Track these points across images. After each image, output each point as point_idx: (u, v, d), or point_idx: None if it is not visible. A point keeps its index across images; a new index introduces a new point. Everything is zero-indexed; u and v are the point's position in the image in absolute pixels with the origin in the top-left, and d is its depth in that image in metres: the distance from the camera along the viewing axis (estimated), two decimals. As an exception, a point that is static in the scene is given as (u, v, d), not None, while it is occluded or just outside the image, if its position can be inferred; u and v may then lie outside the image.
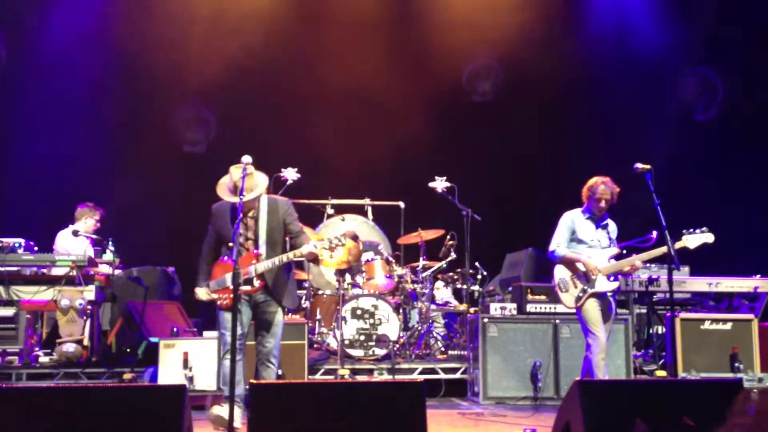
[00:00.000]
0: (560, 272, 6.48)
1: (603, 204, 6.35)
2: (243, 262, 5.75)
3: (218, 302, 5.90)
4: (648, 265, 7.97)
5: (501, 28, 11.08)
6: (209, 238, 6.05)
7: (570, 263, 6.41)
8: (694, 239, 6.28)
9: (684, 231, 6.30)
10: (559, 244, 6.47)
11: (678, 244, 6.26)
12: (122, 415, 3.91)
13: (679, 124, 11.01)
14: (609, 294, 6.37)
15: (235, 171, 5.78)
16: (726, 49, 10.76)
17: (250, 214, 5.90)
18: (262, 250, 5.86)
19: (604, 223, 6.48)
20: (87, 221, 8.55)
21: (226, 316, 5.84)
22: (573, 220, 6.48)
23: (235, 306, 5.07)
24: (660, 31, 10.95)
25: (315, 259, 6.48)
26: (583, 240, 6.43)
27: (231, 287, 5.42)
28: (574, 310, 6.47)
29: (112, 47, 10.94)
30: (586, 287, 6.31)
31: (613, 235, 6.50)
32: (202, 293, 5.99)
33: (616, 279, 6.39)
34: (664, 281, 7.10)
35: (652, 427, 3.42)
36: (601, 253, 6.38)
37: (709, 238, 6.28)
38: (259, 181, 5.85)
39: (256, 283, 5.83)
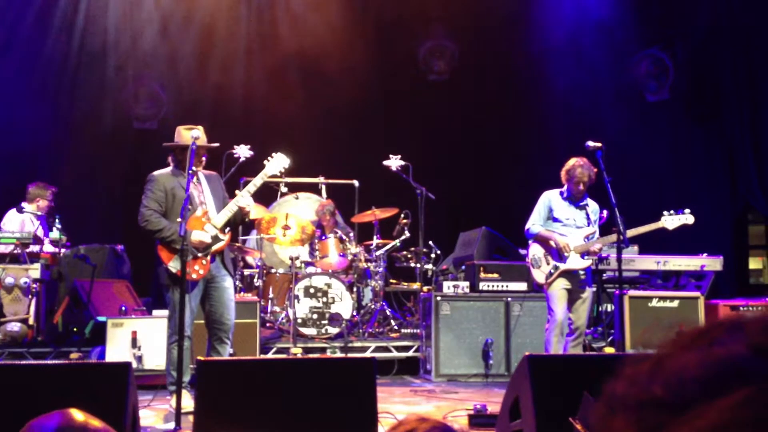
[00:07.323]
0: (534, 249, 6.58)
1: (582, 186, 6.41)
2: (195, 224, 5.51)
3: (191, 275, 5.46)
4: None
5: (457, 7, 11.05)
6: (155, 207, 5.59)
7: (544, 240, 6.49)
8: (674, 220, 6.35)
9: (665, 212, 6.36)
10: (534, 222, 6.57)
11: (657, 224, 6.34)
12: (65, 393, 3.80)
13: (631, 103, 11.12)
14: (581, 272, 6.44)
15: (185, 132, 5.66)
16: (678, 32, 10.89)
17: (194, 180, 5.64)
18: (213, 210, 5.68)
19: (584, 203, 6.54)
20: (40, 202, 8.31)
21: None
22: (550, 199, 6.56)
23: (183, 278, 4.88)
24: (614, 12, 11.01)
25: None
26: (559, 219, 6.51)
27: (200, 255, 5.37)
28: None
29: (60, 21, 10.64)
30: (558, 264, 6.38)
31: (594, 216, 6.56)
32: (206, 233, 5.45)
33: (588, 257, 6.45)
34: (613, 260, 7.17)
35: (598, 399, 3.44)
36: (576, 232, 6.45)
37: (689, 219, 6.36)
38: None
39: (222, 236, 5.59)
